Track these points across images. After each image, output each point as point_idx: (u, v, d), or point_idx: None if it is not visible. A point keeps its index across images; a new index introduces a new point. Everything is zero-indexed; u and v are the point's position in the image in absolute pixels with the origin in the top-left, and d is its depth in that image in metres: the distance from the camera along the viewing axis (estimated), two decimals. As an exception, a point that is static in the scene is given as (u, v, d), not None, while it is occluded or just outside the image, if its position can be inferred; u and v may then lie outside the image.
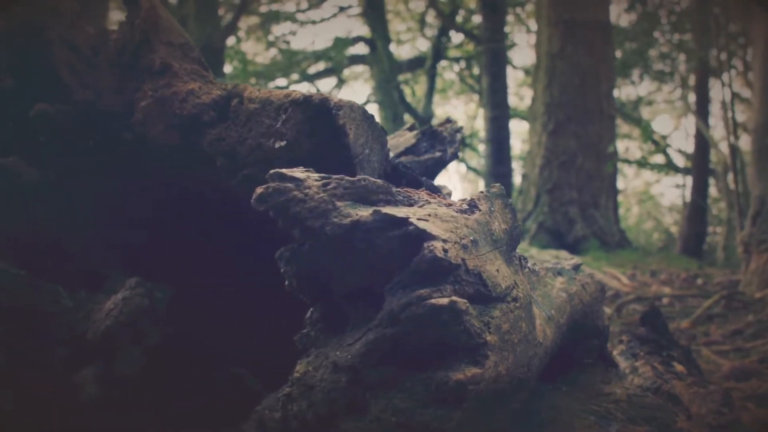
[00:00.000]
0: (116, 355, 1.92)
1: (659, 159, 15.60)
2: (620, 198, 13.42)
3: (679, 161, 15.77)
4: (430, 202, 1.54)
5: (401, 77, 14.39)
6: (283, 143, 1.81)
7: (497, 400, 1.53)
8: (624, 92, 15.44)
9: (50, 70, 2.07)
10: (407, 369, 1.42)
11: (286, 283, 1.54)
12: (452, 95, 17.79)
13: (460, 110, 19.62)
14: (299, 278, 1.50)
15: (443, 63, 15.08)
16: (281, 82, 14.24)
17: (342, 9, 14.56)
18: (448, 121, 3.07)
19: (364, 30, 14.65)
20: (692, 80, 13.39)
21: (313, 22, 14.84)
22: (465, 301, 1.40)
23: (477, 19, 15.26)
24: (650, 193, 17.65)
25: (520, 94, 17.03)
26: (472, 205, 1.61)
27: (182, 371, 2.05)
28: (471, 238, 1.51)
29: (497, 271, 1.58)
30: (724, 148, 12.38)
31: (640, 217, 17.52)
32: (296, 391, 1.53)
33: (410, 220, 1.40)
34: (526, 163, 11.87)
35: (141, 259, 2.07)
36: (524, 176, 11.38)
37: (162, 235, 2.07)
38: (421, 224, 1.40)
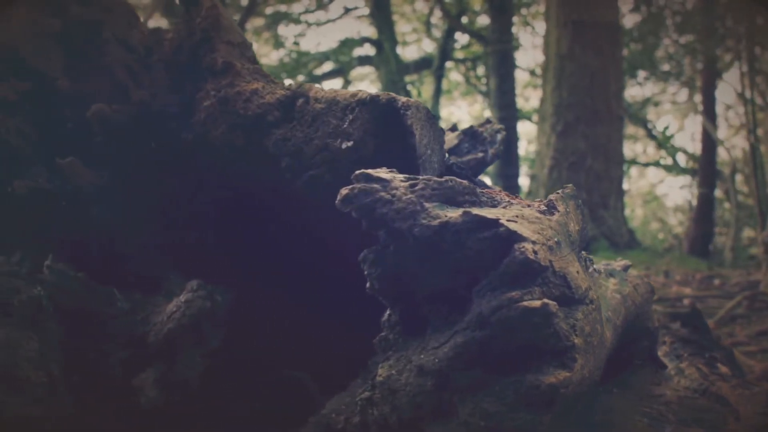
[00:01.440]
0: (177, 359, 1.89)
1: (665, 160, 15.63)
2: (625, 199, 13.43)
3: (682, 162, 15.79)
4: (512, 203, 1.52)
5: (408, 78, 14.39)
6: (350, 144, 1.79)
7: (575, 402, 1.52)
8: (629, 93, 15.46)
9: (106, 71, 2.05)
10: (495, 372, 1.40)
11: (368, 285, 1.52)
12: (458, 96, 17.80)
13: (464, 111, 19.65)
14: (382, 280, 1.48)
15: (448, 64, 15.07)
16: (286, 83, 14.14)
17: (348, 10, 14.55)
18: (488, 121, 3.05)
19: (370, 31, 14.66)
20: (698, 81, 13.40)
21: (318, 24, 14.83)
22: (555, 303, 1.38)
23: (482, 20, 15.27)
24: (655, 193, 17.68)
25: (524, 95, 17.04)
26: (550, 206, 1.59)
27: (240, 374, 2.03)
28: (555, 239, 1.49)
29: (577, 272, 1.56)
30: (730, 149, 12.40)
31: (645, 218, 17.54)
32: (378, 395, 1.51)
33: (500, 221, 1.38)
34: (535, 164, 11.87)
35: (199, 262, 2.05)
36: (533, 177, 11.38)
37: (221, 237, 2.04)
38: (512, 225, 1.38)
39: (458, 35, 15.11)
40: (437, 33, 15.82)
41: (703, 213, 12.03)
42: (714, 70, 12.29)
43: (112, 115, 1.99)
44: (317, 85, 1.88)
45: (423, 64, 14.74)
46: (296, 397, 2.06)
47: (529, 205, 1.56)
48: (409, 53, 16.57)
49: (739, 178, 11.85)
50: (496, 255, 1.40)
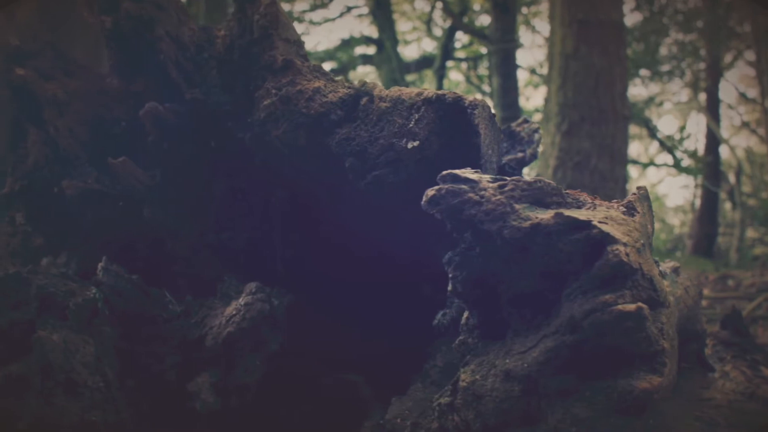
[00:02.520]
0: (236, 363, 1.85)
1: (667, 159, 15.66)
2: (627, 198, 13.36)
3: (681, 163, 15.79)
4: (596, 205, 1.49)
5: (409, 77, 14.34)
6: (416, 143, 1.76)
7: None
8: (630, 93, 15.45)
9: (159, 69, 2.01)
10: (585, 377, 1.37)
11: (450, 288, 1.49)
12: (459, 96, 17.66)
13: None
14: (466, 283, 1.45)
15: (448, 63, 15.03)
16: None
17: (349, 9, 14.49)
18: (525, 121, 3.01)
19: (370, 30, 14.62)
20: (702, 80, 13.41)
21: (318, 23, 14.76)
22: (647, 306, 1.35)
23: (484, 19, 15.24)
24: (656, 193, 17.69)
25: (525, 94, 17.02)
26: (630, 208, 1.56)
27: (297, 379, 1.99)
28: (641, 241, 1.46)
29: (658, 275, 1.53)
30: (735, 148, 12.42)
31: (645, 218, 17.44)
32: (460, 400, 1.47)
33: (593, 223, 1.35)
34: (539, 163, 11.86)
35: (254, 264, 2.01)
36: (537, 177, 11.34)
37: (277, 239, 2.00)
38: (604, 227, 1.35)
39: (458, 34, 15.07)
40: (437, 32, 15.79)
41: (707, 213, 12.04)
42: (718, 68, 12.30)
43: (165, 113, 1.95)
44: (379, 84, 1.84)
45: (423, 63, 14.69)
46: (351, 401, 2.02)
47: (609, 207, 1.53)
48: (408, 52, 16.55)
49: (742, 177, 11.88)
50: (586, 257, 1.37)
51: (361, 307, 2.09)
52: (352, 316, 2.08)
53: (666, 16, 14.09)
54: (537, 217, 1.36)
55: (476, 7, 15.05)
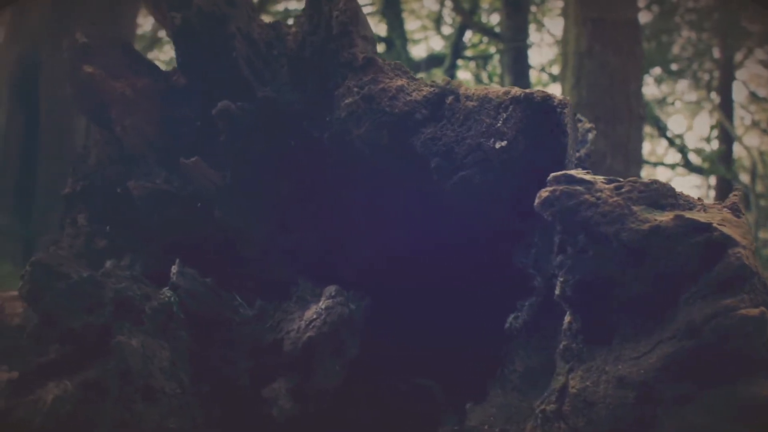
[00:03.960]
0: (315, 368, 1.80)
1: (675, 158, 15.63)
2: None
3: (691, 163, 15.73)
4: (705, 207, 1.45)
5: (418, 76, 14.29)
6: (503, 143, 1.71)
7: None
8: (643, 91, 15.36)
9: (228, 67, 1.96)
10: (703, 384, 1.32)
11: (558, 291, 1.45)
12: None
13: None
14: (576, 287, 1.40)
15: (458, 62, 14.99)
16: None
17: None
18: (579, 120, 2.97)
19: (379, 29, 14.57)
20: (715, 79, 13.38)
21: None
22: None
23: (493, 18, 15.18)
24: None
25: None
26: (735, 209, 1.51)
27: (373, 384, 1.95)
28: (754, 243, 1.42)
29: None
30: (749, 148, 12.39)
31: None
32: (568, 407, 1.43)
33: (713, 225, 1.31)
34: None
35: (329, 267, 1.96)
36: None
37: (353, 241, 1.96)
38: (724, 230, 1.31)
39: (466, 33, 15.02)
40: (446, 30, 15.74)
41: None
42: (731, 67, 12.27)
43: (237, 112, 1.90)
44: (464, 82, 1.80)
45: (432, 61, 14.65)
46: (425, 407, 1.98)
47: (719, 209, 1.48)
48: (416, 51, 16.49)
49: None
50: (704, 260, 1.32)
51: (431, 309, 2.05)
52: (423, 319, 2.04)
53: (677, 14, 14.05)
54: (656, 220, 1.32)
55: (486, 5, 15.00)
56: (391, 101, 1.76)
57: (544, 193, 1.35)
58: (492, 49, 15.56)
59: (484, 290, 2.13)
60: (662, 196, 1.37)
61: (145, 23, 10.92)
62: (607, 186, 1.34)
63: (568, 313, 1.51)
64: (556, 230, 1.41)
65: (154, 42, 10.85)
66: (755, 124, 14.64)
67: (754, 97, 14.38)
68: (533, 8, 15.57)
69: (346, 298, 1.83)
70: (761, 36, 13.68)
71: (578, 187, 1.33)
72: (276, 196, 1.97)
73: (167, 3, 1.96)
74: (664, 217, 1.32)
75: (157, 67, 2.03)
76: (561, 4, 16.76)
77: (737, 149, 12.83)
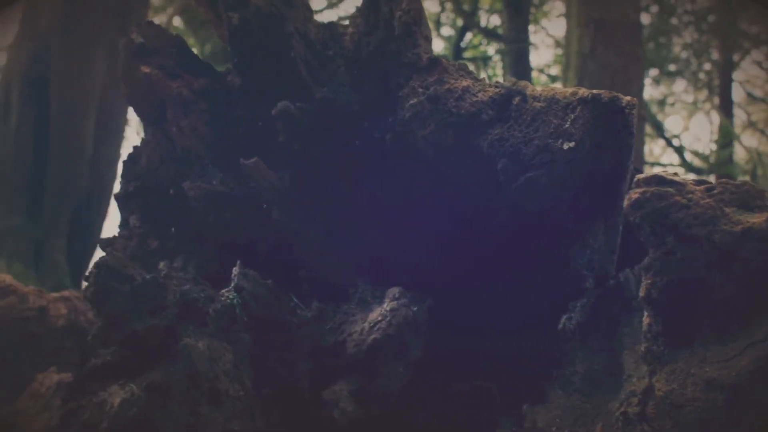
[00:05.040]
0: (379, 370, 1.79)
1: (672, 158, 15.72)
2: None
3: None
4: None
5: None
6: (571, 144, 1.71)
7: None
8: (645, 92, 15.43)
9: (287, 67, 1.95)
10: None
11: (643, 293, 1.44)
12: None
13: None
14: (664, 289, 1.40)
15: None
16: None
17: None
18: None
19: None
20: (714, 79, 13.44)
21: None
22: None
23: (492, 19, 15.21)
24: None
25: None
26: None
27: (433, 386, 1.94)
28: None
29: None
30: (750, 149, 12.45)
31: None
32: (653, 410, 1.42)
33: (806, 227, 1.30)
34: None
35: (389, 269, 1.95)
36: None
37: (408, 242, 1.95)
38: (817, 231, 1.31)
39: (466, 35, 15.05)
40: (447, 31, 15.76)
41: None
42: (731, 68, 12.32)
43: (297, 113, 1.89)
44: (529, 83, 1.79)
45: (433, 62, 14.65)
46: (484, 409, 1.97)
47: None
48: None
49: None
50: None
51: (483, 310, 2.05)
52: (475, 319, 2.03)
53: (675, 15, 14.11)
54: (748, 221, 1.32)
55: (486, 6, 15.03)
56: (458, 102, 1.75)
57: (634, 194, 1.34)
58: (491, 51, 15.59)
59: (534, 291, 2.13)
60: (752, 197, 1.37)
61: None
62: (697, 188, 1.34)
63: (646, 314, 1.50)
64: (643, 232, 1.40)
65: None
66: (752, 124, 14.73)
67: (751, 97, 14.48)
68: (533, 10, 15.61)
69: (409, 299, 1.82)
70: (758, 37, 13.76)
71: (669, 189, 1.33)
72: (332, 197, 1.96)
73: (224, 3, 1.94)
74: (756, 219, 1.32)
75: (212, 67, 2.01)
76: (558, 6, 16.80)
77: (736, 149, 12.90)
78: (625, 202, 1.36)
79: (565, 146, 1.71)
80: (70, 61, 7.07)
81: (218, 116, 1.98)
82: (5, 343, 2.14)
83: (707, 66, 13.35)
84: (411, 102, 1.78)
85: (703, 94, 14.47)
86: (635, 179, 1.39)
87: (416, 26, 1.82)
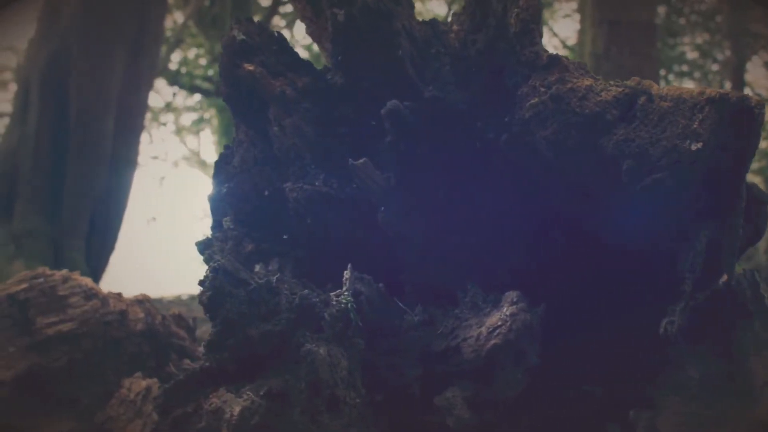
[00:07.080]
0: (497, 377, 1.75)
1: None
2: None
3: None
4: None
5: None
6: (699, 144, 1.67)
7: None
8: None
9: (393, 65, 1.90)
10: None
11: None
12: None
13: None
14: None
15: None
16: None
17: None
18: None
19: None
20: (726, 80, 13.48)
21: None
22: None
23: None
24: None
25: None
26: None
27: (543, 391, 1.89)
28: None
29: None
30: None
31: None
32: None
33: None
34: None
35: (489, 271, 1.91)
36: None
37: (517, 246, 1.91)
38: None
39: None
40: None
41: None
42: (742, 68, 12.35)
43: (406, 112, 1.84)
44: (653, 83, 1.75)
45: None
46: (592, 415, 1.93)
47: None
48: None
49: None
50: None
51: (588, 313, 2.01)
52: (582, 323, 1.99)
53: (684, 16, 14.14)
54: None
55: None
56: (581, 101, 1.71)
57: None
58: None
59: (635, 293, 2.09)
60: None
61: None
62: None
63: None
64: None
65: (178, 42, 10.72)
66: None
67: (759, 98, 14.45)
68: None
69: (526, 304, 1.78)
70: (766, 38, 13.80)
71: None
72: (438, 198, 1.92)
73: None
74: None
75: (312, 66, 1.96)
76: (565, 7, 16.80)
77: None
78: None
79: (693, 147, 1.67)
80: (90, 60, 7.00)
81: (320, 115, 1.93)
82: (92, 348, 2.08)
83: (715, 67, 13.38)
84: (531, 101, 1.74)
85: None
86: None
87: (534, 24, 1.78)
